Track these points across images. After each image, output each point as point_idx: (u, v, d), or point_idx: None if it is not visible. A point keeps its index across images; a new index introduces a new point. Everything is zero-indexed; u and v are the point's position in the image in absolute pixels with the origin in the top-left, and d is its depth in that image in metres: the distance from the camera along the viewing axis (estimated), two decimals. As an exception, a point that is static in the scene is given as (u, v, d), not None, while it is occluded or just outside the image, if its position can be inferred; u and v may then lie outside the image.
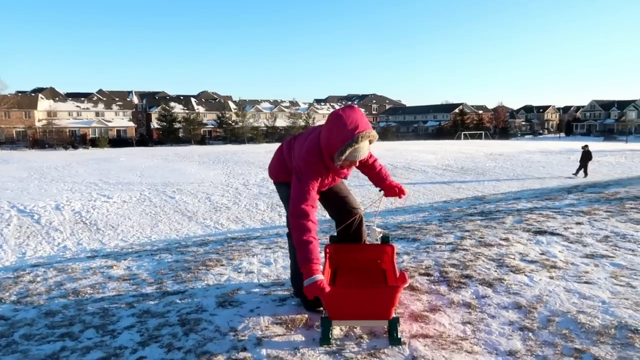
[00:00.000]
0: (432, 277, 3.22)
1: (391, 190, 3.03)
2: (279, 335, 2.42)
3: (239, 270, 3.49)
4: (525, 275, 3.21)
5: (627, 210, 5.11)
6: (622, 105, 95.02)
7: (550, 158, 26.45)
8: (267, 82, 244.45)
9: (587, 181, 13.93)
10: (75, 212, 13.24)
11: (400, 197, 3.05)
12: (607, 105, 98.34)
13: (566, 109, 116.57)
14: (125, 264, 4.04)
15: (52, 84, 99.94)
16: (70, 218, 12.37)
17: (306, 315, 2.64)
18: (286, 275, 3.35)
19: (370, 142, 2.54)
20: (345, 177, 2.85)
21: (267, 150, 37.85)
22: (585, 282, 3.06)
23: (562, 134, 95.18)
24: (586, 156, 18.26)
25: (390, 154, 31.86)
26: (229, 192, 16.65)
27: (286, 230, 2.91)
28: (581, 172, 18.22)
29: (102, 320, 2.67)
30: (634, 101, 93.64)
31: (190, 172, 22.95)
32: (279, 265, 3.61)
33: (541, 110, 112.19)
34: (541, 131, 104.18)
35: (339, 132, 2.42)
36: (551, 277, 3.16)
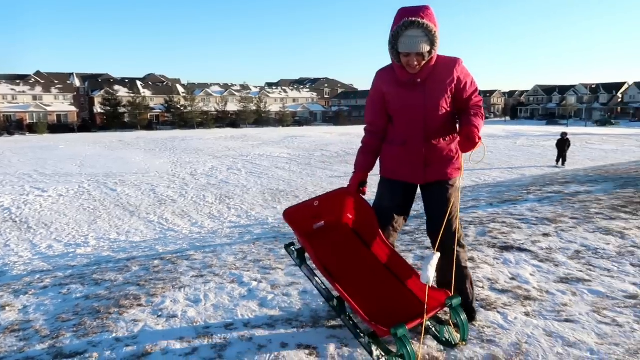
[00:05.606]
0: (392, 319, 2.70)
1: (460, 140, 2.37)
2: None
3: (159, 314, 2.85)
4: (498, 312, 2.76)
5: (593, 216, 4.81)
6: (563, 90, 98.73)
7: (497, 143, 26.83)
8: (217, 65, 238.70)
9: (542, 173, 13.97)
10: (4, 209, 12.15)
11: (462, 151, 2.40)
12: (549, 90, 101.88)
13: (511, 94, 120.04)
14: (23, 300, 3.31)
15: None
16: (-3, 216, 11.31)
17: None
18: (216, 319, 2.75)
19: (431, 38, 2.21)
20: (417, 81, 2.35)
21: (217, 137, 36.59)
22: (567, 320, 2.64)
23: (508, 118, 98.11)
24: (563, 144, 18.35)
25: (344, 139, 31.42)
26: (175, 182, 15.83)
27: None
28: (561, 160, 18.31)
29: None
30: (573, 86, 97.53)
31: (134, 161, 21.80)
32: (209, 304, 2.98)
33: (488, 95, 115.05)
34: (488, 115, 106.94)
35: (393, 23, 2.26)
36: (527, 314, 2.72)
